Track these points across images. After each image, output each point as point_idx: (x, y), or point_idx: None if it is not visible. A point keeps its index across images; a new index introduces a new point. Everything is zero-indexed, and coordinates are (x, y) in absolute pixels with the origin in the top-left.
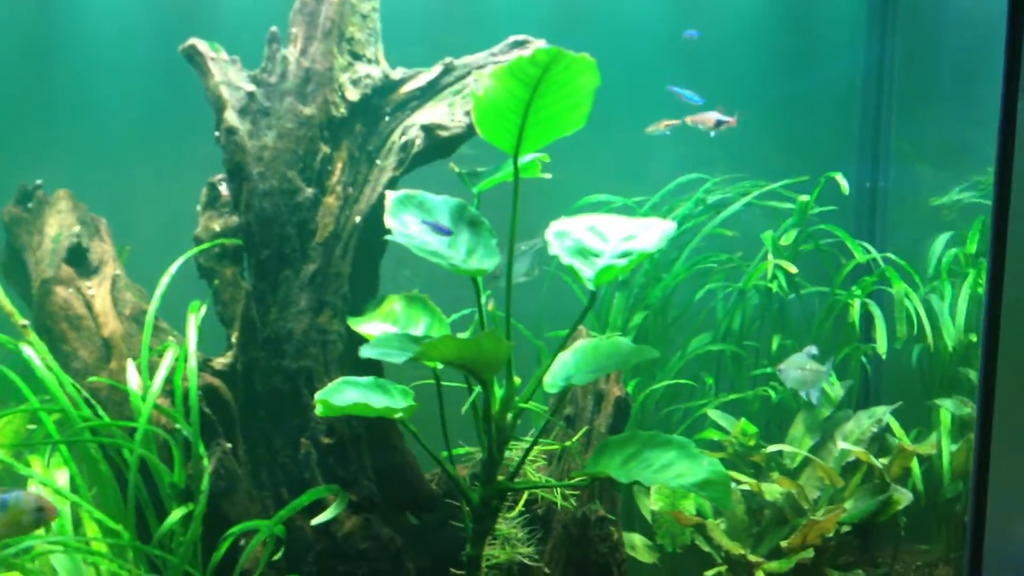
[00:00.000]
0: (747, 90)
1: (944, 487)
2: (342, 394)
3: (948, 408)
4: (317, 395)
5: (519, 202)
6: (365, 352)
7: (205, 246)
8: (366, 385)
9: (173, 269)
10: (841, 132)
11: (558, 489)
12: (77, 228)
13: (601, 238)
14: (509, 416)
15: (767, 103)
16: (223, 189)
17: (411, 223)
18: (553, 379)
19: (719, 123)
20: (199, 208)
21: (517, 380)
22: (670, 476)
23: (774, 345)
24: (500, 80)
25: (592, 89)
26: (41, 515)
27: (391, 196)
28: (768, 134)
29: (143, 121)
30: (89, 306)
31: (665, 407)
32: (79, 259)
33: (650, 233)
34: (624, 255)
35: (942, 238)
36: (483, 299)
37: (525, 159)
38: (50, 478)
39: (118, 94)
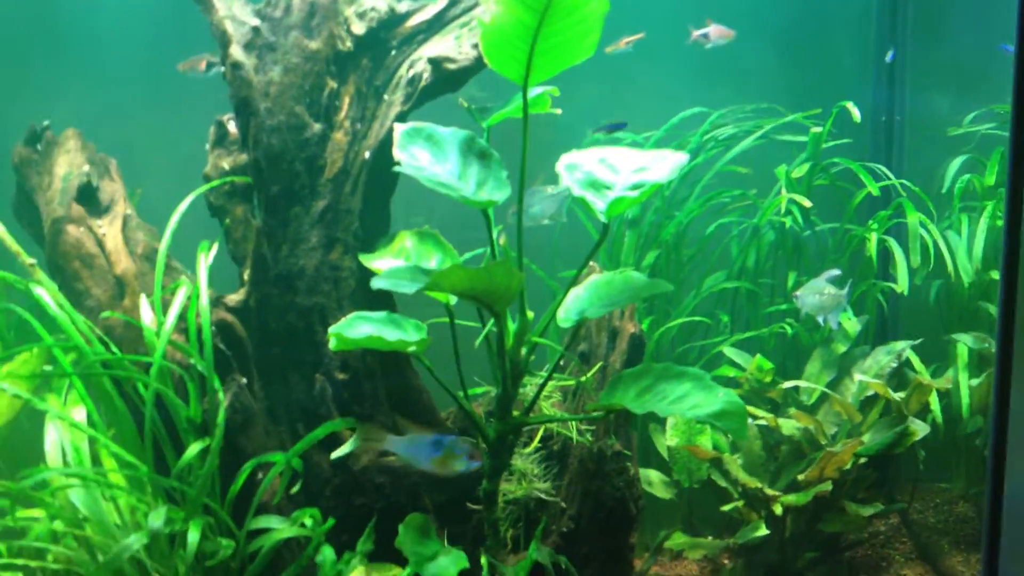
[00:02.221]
0: (759, 18)
1: (963, 422)
2: (356, 328)
3: (966, 343)
4: (331, 329)
5: (528, 134)
6: (376, 283)
7: (215, 183)
8: (379, 320)
9: (183, 207)
10: (854, 61)
11: (573, 424)
12: (86, 167)
13: (612, 170)
14: (523, 351)
15: (777, 32)
16: (231, 127)
17: (420, 155)
18: (567, 313)
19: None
20: (208, 146)
21: (530, 314)
22: (685, 407)
23: (790, 282)
24: (507, 6)
25: (602, 15)
26: (471, 462)
27: (399, 129)
28: (779, 64)
29: (149, 61)
30: (101, 245)
31: (680, 345)
32: (89, 198)
33: (662, 164)
34: (636, 187)
35: (956, 162)
36: (495, 233)
37: (535, 92)
38: (67, 414)
39: (124, 33)
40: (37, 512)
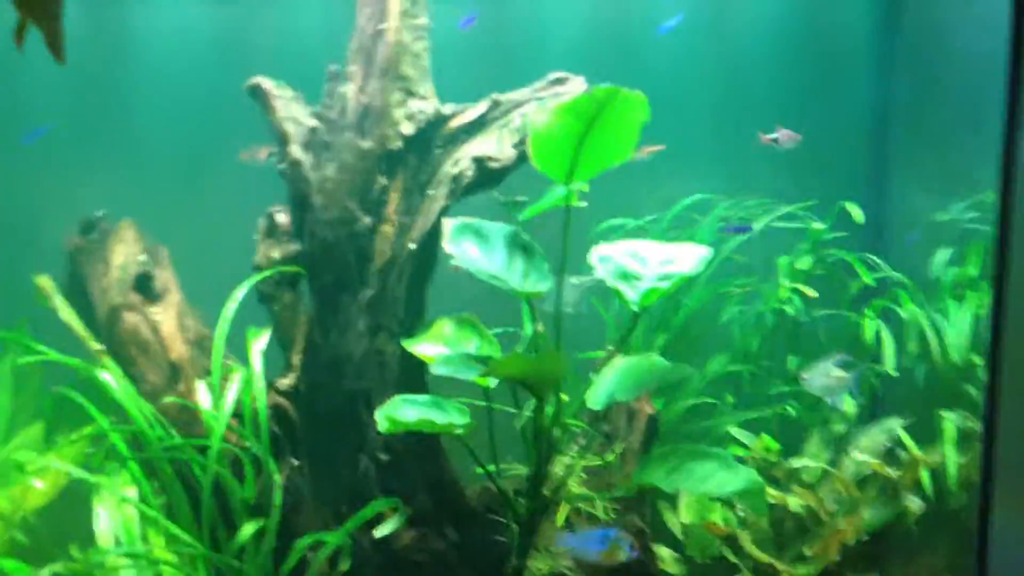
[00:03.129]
0: (765, 118)
1: (951, 496)
2: (405, 411)
3: (952, 421)
4: (381, 412)
5: (570, 228)
6: (437, 370)
7: (267, 273)
8: (424, 403)
9: (240, 295)
10: (848, 162)
11: (599, 503)
12: (143, 257)
13: (641, 263)
14: (557, 431)
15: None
16: (280, 219)
17: (469, 248)
18: (596, 397)
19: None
20: (257, 237)
21: (564, 397)
22: (712, 485)
23: (791, 364)
24: (558, 115)
25: (641, 124)
26: (632, 552)
27: (449, 224)
28: (778, 160)
29: (192, 153)
30: (156, 331)
31: (687, 425)
32: (145, 287)
33: (687, 257)
34: (665, 278)
35: (943, 254)
36: (531, 323)
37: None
38: (121, 492)
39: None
40: None
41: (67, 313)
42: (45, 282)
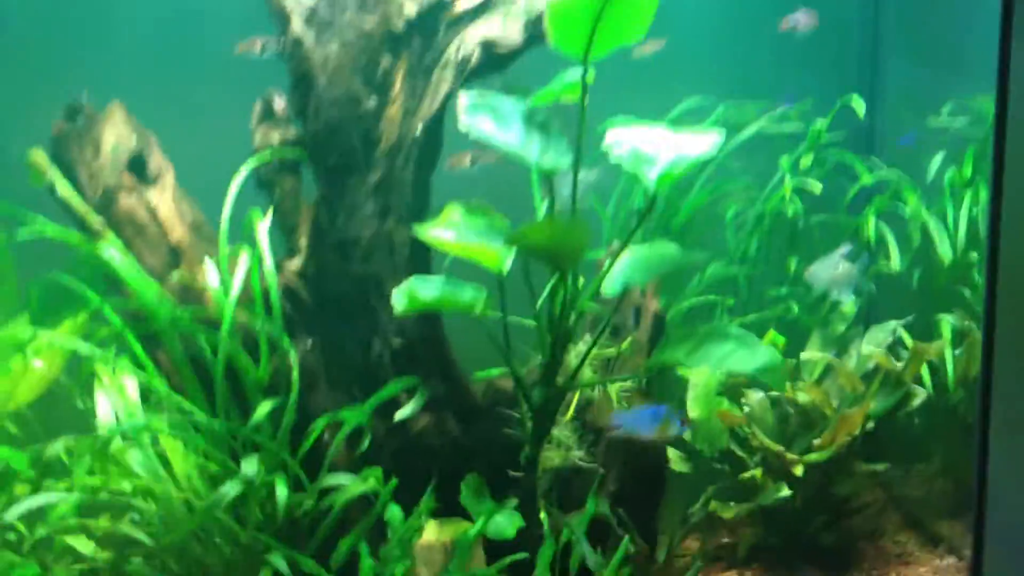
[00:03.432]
0: (762, 21)
1: (949, 392)
2: (423, 289)
3: (949, 321)
4: (399, 291)
5: (586, 107)
6: (461, 239)
7: (266, 156)
8: (441, 283)
9: (241, 177)
10: (841, 68)
11: (615, 393)
12: (135, 138)
13: (655, 146)
14: (571, 317)
15: (771, 33)
16: (277, 104)
17: (484, 124)
18: (612, 282)
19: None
20: (253, 123)
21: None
22: (733, 363)
23: (791, 266)
24: None
25: (656, 2)
26: (683, 427)
27: (465, 97)
28: (772, 64)
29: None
30: (153, 213)
31: (688, 326)
32: (139, 170)
33: (700, 141)
34: (679, 160)
35: (938, 156)
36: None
37: (568, 79)
38: (120, 385)
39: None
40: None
41: (65, 190)
42: (40, 157)
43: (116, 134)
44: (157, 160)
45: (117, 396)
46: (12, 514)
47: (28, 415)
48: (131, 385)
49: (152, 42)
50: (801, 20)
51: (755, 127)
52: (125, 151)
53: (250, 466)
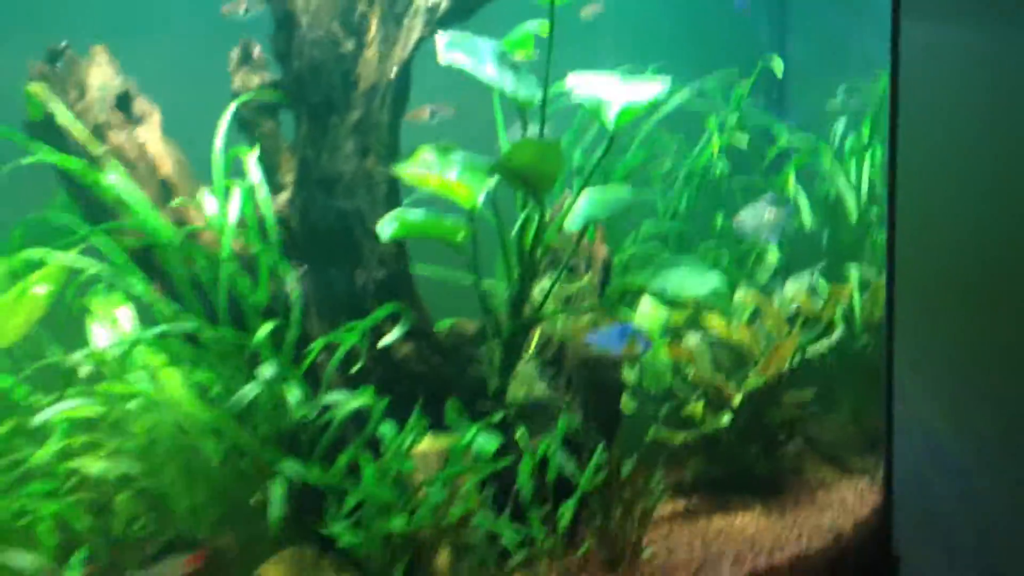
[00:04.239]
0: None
1: (857, 337)
2: (411, 215)
3: (856, 270)
4: (388, 216)
5: (553, 37)
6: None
7: (247, 97)
8: (425, 211)
9: (229, 114)
10: (755, 43)
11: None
12: (120, 79)
13: (611, 91)
14: (539, 251)
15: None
16: (254, 50)
17: (461, 60)
18: (575, 218)
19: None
20: (231, 67)
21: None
22: (687, 287)
23: (718, 221)
24: None
25: None
26: (648, 344)
27: (442, 36)
28: (686, 33)
29: None
30: (143, 150)
31: (629, 274)
32: (126, 107)
33: (649, 88)
34: (633, 103)
35: (841, 122)
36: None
37: (525, 30)
38: (111, 314)
39: None
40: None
41: (65, 117)
42: (38, 88)
43: (102, 75)
44: (142, 102)
45: (111, 327)
46: (37, 419)
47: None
48: (124, 316)
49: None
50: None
51: (685, 93)
52: (112, 91)
53: (267, 370)
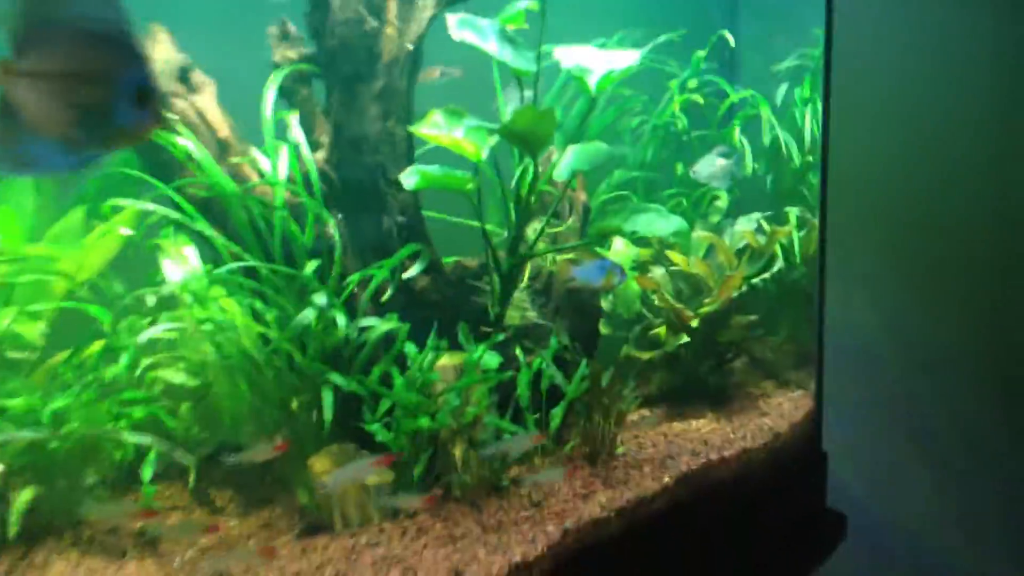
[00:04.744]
0: None
1: (796, 268)
2: (430, 169)
3: (794, 212)
4: (410, 170)
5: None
6: (447, 135)
7: (289, 68)
8: (440, 167)
9: (275, 86)
10: (711, 9)
11: (557, 256)
12: (180, 55)
13: (591, 60)
14: (533, 198)
15: None
16: (291, 27)
17: (469, 37)
18: (562, 170)
19: None
20: (272, 42)
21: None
22: (654, 227)
23: (679, 170)
24: None
25: None
26: (623, 276)
27: (452, 17)
28: (656, 9)
29: None
30: (202, 115)
31: (605, 218)
32: (185, 80)
33: (624, 57)
34: (611, 71)
35: (783, 86)
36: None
37: (517, 7)
38: (180, 252)
39: None
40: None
41: None
42: None
43: (164, 51)
44: (198, 74)
45: (181, 263)
46: (143, 336)
47: (100, 283)
48: (191, 254)
49: None
50: None
51: (648, 48)
52: (174, 64)
53: (319, 298)
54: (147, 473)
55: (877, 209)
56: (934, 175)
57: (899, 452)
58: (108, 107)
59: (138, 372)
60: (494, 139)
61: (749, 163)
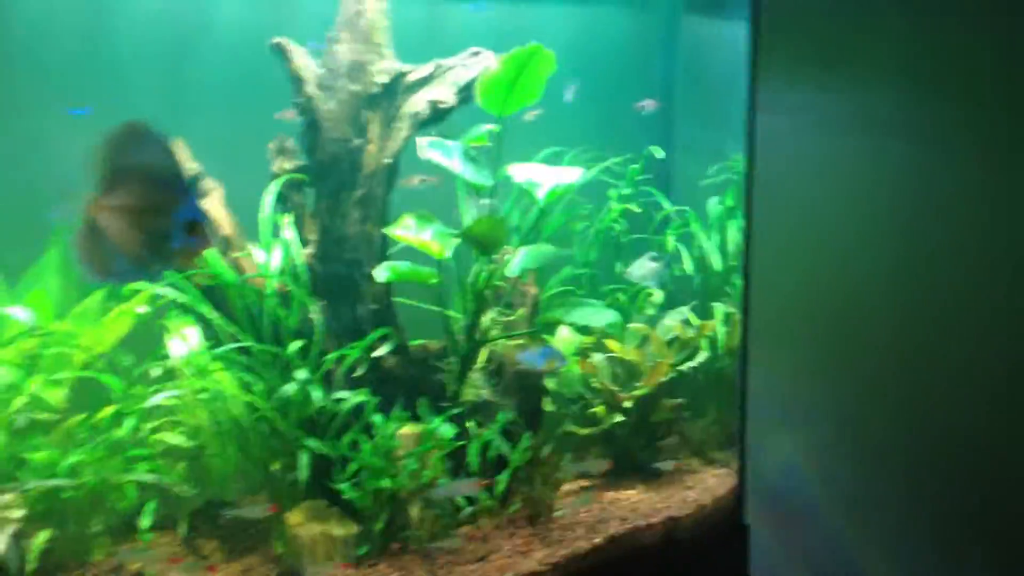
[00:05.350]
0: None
1: (720, 359)
2: (399, 265)
3: (720, 308)
4: (382, 265)
5: (502, 147)
6: (415, 237)
7: (285, 177)
8: (408, 264)
9: (273, 190)
10: (644, 125)
11: (511, 346)
12: (195, 164)
13: (541, 175)
14: (488, 292)
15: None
16: (288, 143)
17: (436, 156)
18: (514, 267)
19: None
20: (271, 155)
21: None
22: (593, 320)
23: (617, 269)
24: (503, 64)
25: (549, 74)
26: (563, 362)
27: (423, 140)
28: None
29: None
30: (208, 216)
31: (552, 307)
32: (196, 186)
33: (570, 173)
34: (557, 185)
35: (713, 200)
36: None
37: (480, 131)
38: (182, 332)
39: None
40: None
41: None
42: None
43: (181, 160)
44: (208, 180)
45: (183, 341)
46: (149, 402)
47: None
48: (192, 333)
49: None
50: (648, 104)
51: (595, 170)
52: (189, 172)
53: (301, 373)
54: (145, 522)
55: (794, 309)
56: (845, 280)
57: (822, 525)
58: (167, 234)
59: (143, 434)
60: (456, 241)
61: (687, 264)
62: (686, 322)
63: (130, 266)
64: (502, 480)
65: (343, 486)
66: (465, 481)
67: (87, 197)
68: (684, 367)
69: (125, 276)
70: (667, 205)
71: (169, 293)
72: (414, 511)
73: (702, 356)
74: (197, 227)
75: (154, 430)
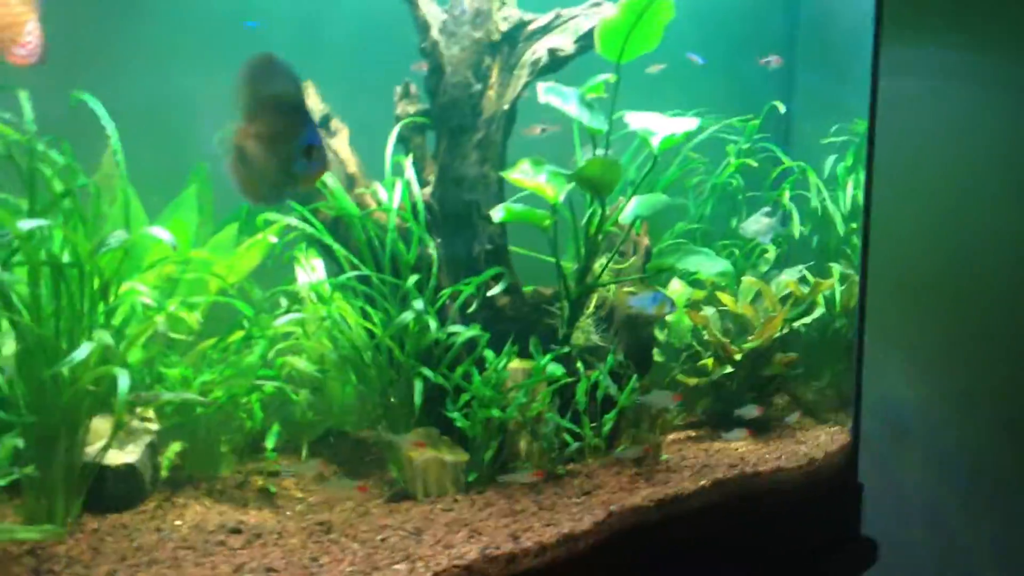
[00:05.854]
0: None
1: (836, 318)
2: (515, 207)
3: (837, 267)
4: (498, 207)
5: (620, 99)
6: (531, 180)
7: (407, 120)
8: (523, 206)
9: (395, 134)
10: (766, 81)
11: (619, 290)
12: (323, 105)
13: (657, 124)
14: (600, 237)
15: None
16: (412, 88)
17: (555, 101)
18: (627, 214)
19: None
20: (396, 98)
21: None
22: (705, 267)
23: (733, 223)
24: (620, 10)
25: (667, 21)
26: (672, 307)
27: (543, 85)
28: (715, 85)
29: None
30: (336, 154)
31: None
32: (325, 126)
33: (684, 123)
34: (672, 133)
35: (830, 158)
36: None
37: (598, 80)
38: (310, 263)
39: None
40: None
41: None
42: None
43: (312, 102)
44: (336, 121)
45: (310, 271)
46: (276, 322)
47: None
48: (319, 265)
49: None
50: (774, 60)
51: (715, 125)
52: (318, 113)
53: (418, 303)
54: (270, 442)
55: (912, 272)
56: (962, 243)
57: (931, 490)
58: (291, 159)
59: (270, 357)
60: (570, 185)
61: (796, 225)
62: (802, 279)
63: (271, 190)
64: (609, 420)
65: (455, 414)
66: (662, 393)
67: (234, 126)
68: (798, 324)
69: (268, 199)
70: (786, 160)
71: (299, 224)
72: (522, 444)
73: (817, 313)
74: (316, 152)
75: (280, 353)
